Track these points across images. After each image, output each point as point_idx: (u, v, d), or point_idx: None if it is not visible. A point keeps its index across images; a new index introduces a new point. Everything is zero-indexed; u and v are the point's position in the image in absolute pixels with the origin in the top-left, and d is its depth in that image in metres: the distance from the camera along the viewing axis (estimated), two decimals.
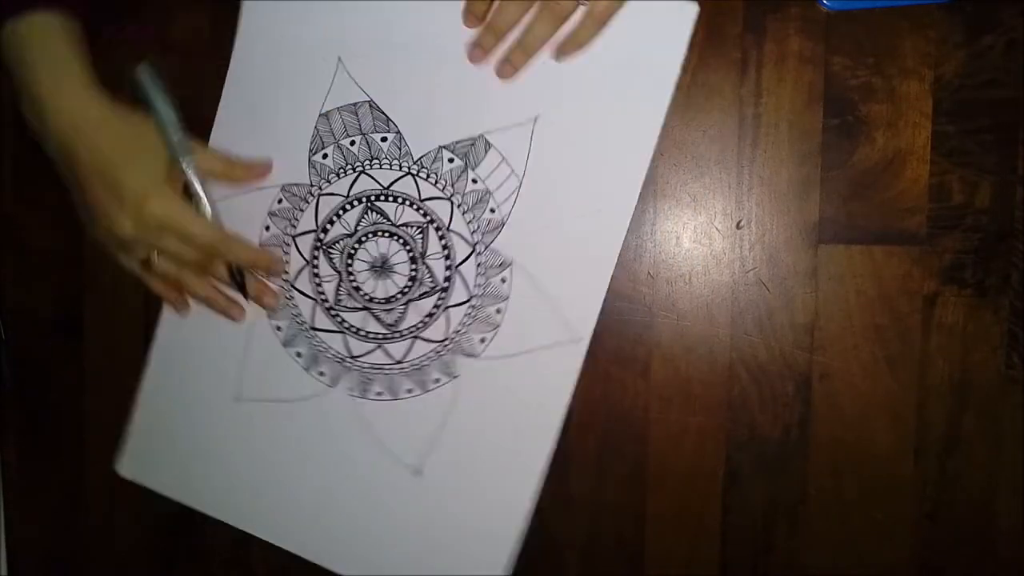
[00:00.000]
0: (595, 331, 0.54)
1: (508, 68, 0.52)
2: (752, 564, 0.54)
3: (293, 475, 0.59)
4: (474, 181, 0.54)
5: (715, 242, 0.53)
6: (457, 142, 0.54)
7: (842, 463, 0.53)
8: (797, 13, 0.52)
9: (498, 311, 0.55)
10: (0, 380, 0.63)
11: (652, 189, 0.53)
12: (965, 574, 0.53)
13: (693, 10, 0.51)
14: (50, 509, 0.64)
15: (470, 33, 0.53)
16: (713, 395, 0.54)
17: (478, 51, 0.53)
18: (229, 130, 0.57)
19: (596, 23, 0.50)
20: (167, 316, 0.60)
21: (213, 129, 0.57)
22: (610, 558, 0.56)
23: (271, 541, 0.60)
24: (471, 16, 0.52)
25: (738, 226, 0.53)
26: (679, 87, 0.51)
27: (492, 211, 0.54)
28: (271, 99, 0.56)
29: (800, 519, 0.54)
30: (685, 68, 0.51)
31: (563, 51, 0.52)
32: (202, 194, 0.53)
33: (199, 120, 0.56)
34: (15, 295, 0.64)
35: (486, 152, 0.54)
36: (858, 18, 0.51)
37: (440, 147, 0.54)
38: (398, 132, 0.55)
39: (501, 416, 0.55)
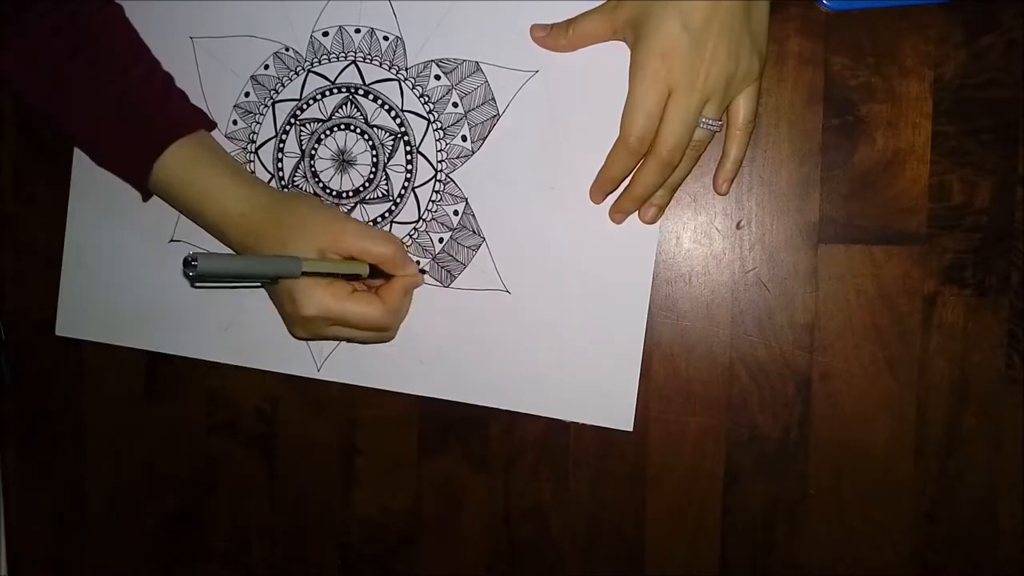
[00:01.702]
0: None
1: (655, 211, 0.52)
2: (752, 564, 0.54)
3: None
4: (455, 105, 0.55)
5: (715, 242, 0.53)
6: (449, 59, 0.55)
7: (842, 463, 0.53)
8: (797, 13, 0.52)
9: (440, 240, 0.56)
10: (0, 380, 0.63)
11: None
12: (965, 574, 0.53)
13: None
14: (50, 509, 0.64)
15: None
16: (713, 395, 0.54)
17: (620, 215, 0.52)
18: None
19: (744, 138, 0.50)
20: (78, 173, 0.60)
21: None
22: (610, 558, 0.56)
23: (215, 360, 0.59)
24: (600, 194, 0.52)
25: (738, 226, 0.53)
26: None
27: (463, 139, 0.55)
28: None
29: (800, 519, 0.54)
30: None
31: (725, 178, 0.51)
32: (340, 272, 0.51)
33: None
34: (15, 295, 0.63)
35: (472, 73, 0.54)
36: (858, 18, 0.51)
37: (431, 60, 0.55)
38: (399, 37, 0.55)
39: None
